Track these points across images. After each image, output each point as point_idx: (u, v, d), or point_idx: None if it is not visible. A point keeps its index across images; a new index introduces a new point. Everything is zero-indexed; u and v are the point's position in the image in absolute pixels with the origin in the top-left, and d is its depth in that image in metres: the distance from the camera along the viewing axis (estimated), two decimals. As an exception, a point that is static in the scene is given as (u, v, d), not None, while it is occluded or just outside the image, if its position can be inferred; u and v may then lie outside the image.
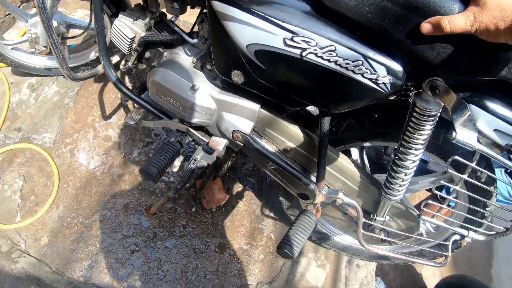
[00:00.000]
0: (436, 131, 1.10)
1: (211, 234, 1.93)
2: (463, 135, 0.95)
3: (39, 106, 2.15)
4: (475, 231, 1.37)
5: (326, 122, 1.17)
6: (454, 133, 0.95)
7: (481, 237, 1.39)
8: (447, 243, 1.42)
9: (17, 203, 1.85)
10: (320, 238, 1.94)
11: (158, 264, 1.81)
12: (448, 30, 0.77)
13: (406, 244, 1.54)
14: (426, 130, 1.07)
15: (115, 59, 1.85)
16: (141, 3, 1.51)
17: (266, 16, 0.94)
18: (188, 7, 1.36)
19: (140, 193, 1.95)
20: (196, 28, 1.43)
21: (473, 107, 0.97)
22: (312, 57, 0.95)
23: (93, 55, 2.17)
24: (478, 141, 0.99)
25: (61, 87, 2.22)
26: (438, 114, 1.05)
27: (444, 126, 1.16)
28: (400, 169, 1.19)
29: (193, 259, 1.86)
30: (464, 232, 1.38)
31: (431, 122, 1.05)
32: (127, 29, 1.44)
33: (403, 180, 1.22)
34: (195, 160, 1.41)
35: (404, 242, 1.53)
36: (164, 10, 1.43)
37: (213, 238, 1.93)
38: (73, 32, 1.98)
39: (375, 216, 1.42)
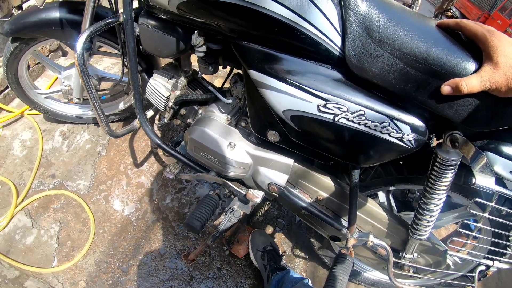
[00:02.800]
0: (457, 173, 1.20)
1: (245, 276, 2.04)
2: (481, 180, 1.06)
3: (72, 154, 2.30)
4: (500, 261, 1.46)
5: (356, 174, 1.29)
6: (473, 179, 1.06)
7: (506, 266, 1.47)
8: (473, 274, 1.52)
9: (54, 247, 1.96)
10: (350, 275, 2.02)
11: (195, 306, 1.92)
12: (466, 91, 0.89)
13: (434, 278, 1.63)
14: (448, 177, 1.18)
15: (149, 113, 1.98)
16: (173, 62, 1.65)
17: (300, 85, 1.08)
18: (220, 67, 1.49)
19: (175, 238, 2.07)
20: (226, 84, 1.57)
21: (489, 154, 1.09)
22: (343, 121, 1.08)
23: (122, 105, 2.32)
24: (496, 183, 1.08)
25: (92, 135, 2.38)
26: (458, 163, 1.16)
27: (465, 168, 1.27)
28: (425, 212, 1.30)
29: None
30: (489, 262, 1.47)
31: (452, 170, 1.16)
32: (162, 88, 1.58)
33: (428, 222, 1.33)
34: (232, 209, 1.54)
35: (432, 276, 1.63)
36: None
37: (247, 279, 2.03)
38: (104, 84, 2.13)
39: (404, 254, 1.51)
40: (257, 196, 1.48)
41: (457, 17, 4.70)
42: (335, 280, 1.36)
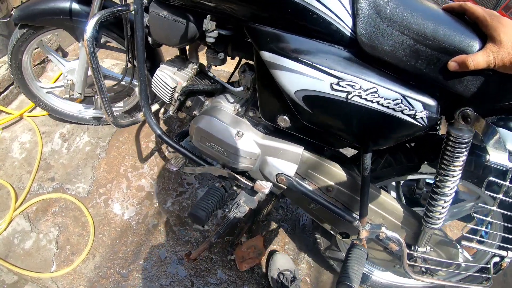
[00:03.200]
0: (468, 159, 1.20)
1: (247, 281, 1.99)
2: (495, 156, 1.08)
3: (72, 156, 2.27)
4: None
5: (368, 159, 1.27)
6: (487, 156, 1.08)
7: None
8: (488, 265, 1.50)
9: (53, 252, 1.92)
10: (364, 280, 1.99)
11: (197, 312, 1.86)
12: (472, 67, 0.93)
13: (449, 271, 1.59)
14: (462, 157, 1.17)
15: (154, 107, 1.97)
16: (179, 54, 1.64)
17: (313, 64, 1.07)
18: (228, 58, 1.48)
19: (176, 242, 2.02)
20: (234, 77, 1.56)
21: (501, 129, 1.09)
22: (357, 99, 1.07)
23: (122, 106, 2.31)
24: (510, 160, 1.10)
25: (92, 137, 2.36)
26: (471, 140, 1.16)
27: (474, 153, 1.28)
28: (439, 196, 1.28)
29: None
30: (503, 253, 1.46)
31: (466, 149, 1.16)
32: (168, 78, 1.56)
33: (442, 208, 1.31)
34: (237, 204, 1.50)
35: (446, 270, 1.59)
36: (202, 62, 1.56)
37: (250, 285, 1.98)
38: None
39: (416, 247, 1.49)
40: (265, 187, 1.44)
41: None
42: (350, 270, 1.32)
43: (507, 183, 1.21)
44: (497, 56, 0.91)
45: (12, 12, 1.76)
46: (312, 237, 1.97)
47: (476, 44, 0.95)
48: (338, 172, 1.40)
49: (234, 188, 1.56)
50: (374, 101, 1.07)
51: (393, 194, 1.68)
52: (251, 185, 1.47)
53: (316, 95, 1.11)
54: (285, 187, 1.45)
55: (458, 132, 1.13)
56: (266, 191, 1.44)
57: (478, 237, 1.45)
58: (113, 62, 2.79)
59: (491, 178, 1.20)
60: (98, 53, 2.59)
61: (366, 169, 1.28)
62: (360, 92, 1.06)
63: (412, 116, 1.07)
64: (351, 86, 1.06)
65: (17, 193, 2.08)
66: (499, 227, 1.51)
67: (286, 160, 1.40)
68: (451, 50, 0.97)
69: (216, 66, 1.50)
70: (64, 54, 2.85)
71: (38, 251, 1.92)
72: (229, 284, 1.95)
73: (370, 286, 2.02)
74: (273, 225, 2.22)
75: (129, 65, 1.75)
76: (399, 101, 1.06)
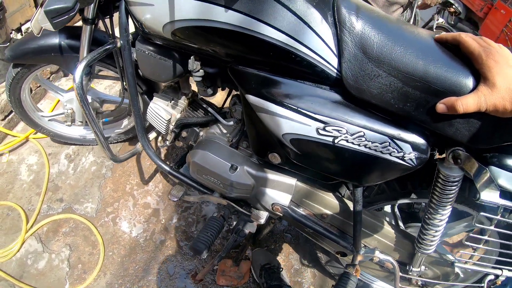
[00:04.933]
0: (462, 186, 1.19)
1: (255, 291, 2.03)
2: (486, 195, 1.05)
3: (78, 177, 2.30)
4: (509, 270, 1.44)
5: (358, 193, 1.28)
6: (477, 195, 1.05)
7: None
8: (482, 284, 1.50)
9: (65, 271, 1.96)
10: (359, 287, 2.01)
11: (207, 326, 1.91)
12: (461, 111, 0.87)
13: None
14: (452, 193, 1.16)
15: (152, 135, 1.98)
16: (173, 84, 1.65)
17: (299, 109, 1.06)
18: (219, 89, 1.49)
19: (183, 257, 2.05)
20: (226, 104, 1.56)
21: (493, 168, 1.05)
22: (343, 143, 1.07)
23: (126, 125, 2.33)
24: (501, 196, 1.08)
25: (97, 157, 2.38)
26: (462, 178, 1.14)
27: (469, 180, 1.22)
28: (430, 226, 1.28)
29: None
30: (498, 271, 1.45)
31: (456, 186, 1.15)
32: (162, 111, 1.57)
33: (434, 236, 1.31)
34: (238, 229, 1.53)
35: (442, 286, 1.61)
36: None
37: (259, 294, 2.02)
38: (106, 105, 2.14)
39: (411, 267, 1.50)
40: (261, 217, 1.47)
41: (459, 12, 4.61)
42: None
43: (498, 216, 1.20)
44: (489, 100, 0.85)
45: (5, 51, 1.76)
46: (315, 249, 1.99)
47: (468, 84, 0.90)
48: (331, 201, 1.41)
49: (234, 214, 1.59)
50: (361, 144, 1.06)
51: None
52: (248, 214, 1.49)
53: (303, 138, 1.10)
54: (281, 215, 1.47)
55: (448, 172, 1.12)
56: (262, 221, 1.47)
57: (471, 259, 1.46)
58: (111, 83, 2.79)
59: (482, 214, 1.21)
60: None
61: (357, 201, 1.29)
62: (346, 137, 1.05)
63: (401, 157, 1.07)
64: (338, 130, 1.05)
65: (28, 215, 2.11)
66: (495, 245, 1.51)
67: (280, 190, 1.41)
68: (441, 91, 0.93)
69: (207, 97, 1.51)
70: (65, 74, 2.86)
71: (51, 271, 1.96)
72: None
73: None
74: (277, 236, 2.25)
75: (126, 91, 1.75)
76: (387, 143, 1.05)
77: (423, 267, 1.51)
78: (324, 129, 1.06)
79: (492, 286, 1.62)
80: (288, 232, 2.26)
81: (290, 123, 1.09)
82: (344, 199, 1.43)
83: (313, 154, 1.16)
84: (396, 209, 1.66)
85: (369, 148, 1.06)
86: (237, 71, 1.15)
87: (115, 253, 2.05)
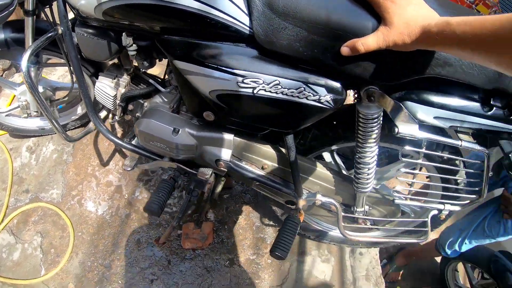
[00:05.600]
0: (384, 124, 1.31)
1: (219, 252, 2.19)
2: (404, 129, 1.17)
3: (41, 166, 2.39)
4: (451, 204, 1.57)
5: (289, 139, 1.42)
6: (396, 129, 1.17)
7: (457, 208, 1.57)
8: (426, 219, 1.63)
9: (40, 258, 2.08)
10: (318, 236, 2.18)
11: (177, 287, 2.06)
12: (363, 50, 0.96)
13: (391, 228, 1.77)
14: (374, 130, 1.29)
15: (103, 114, 2.09)
16: (115, 62, 1.76)
17: (219, 67, 1.18)
18: (157, 60, 1.60)
19: (149, 227, 2.20)
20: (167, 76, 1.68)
21: (409, 103, 1.20)
22: (262, 92, 1.20)
23: (80, 111, 2.41)
24: (422, 130, 1.19)
25: (57, 145, 2.48)
26: (381, 115, 1.27)
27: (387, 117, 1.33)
28: (361, 165, 1.42)
29: (207, 277, 2.11)
30: (440, 206, 1.57)
31: (375, 124, 1.28)
32: (108, 88, 1.68)
33: (368, 174, 1.45)
34: (189, 190, 1.67)
35: (389, 227, 1.77)
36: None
37: (222, 255, 2.18)
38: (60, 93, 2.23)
39: (355, 208, 1.64)
40: (206, 173, 1.61)
41: None
42: (281, 240, 1.52)
43: (423, 149, 1.33)
44: (388, 38, 0.93)
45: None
46: (270, 204, 2.14)
47: (369, 26, 0.99)
48: (268, 151, 1.55)
49: (185, 175, 1.72)
50: (278, 92, 1.18)
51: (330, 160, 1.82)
52: (195, 173, 1.63)
53: (227, 93, 1.23)
54: (226, 170, 1.60)
55: (366, 110, 1.24)
56: (208, 177, 1.60)
57: (409, 193, 1.60)
58: (66, 69, 2.86)
59: (406, 147, 1.33)
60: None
61: (290, 148, 1.43)
62: (264, 86, 1.18)
63: (317, 100, 1.19)
64: (255, 82, 1.17)
65: (-3, 210, 2.21)
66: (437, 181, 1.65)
67: (221, 146, 1.54)
68: (344, 36, 1.01)
69: (147, 69, 1.63)
70: (18, 69, 2.89)
71: (26, 260, 2.07)
72: (203, 257, 2.15)
73: (331, 242, 2.22)
74: (236, 197, 2.40)
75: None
76: (302, 88, 1.17)
77: (367, 207, 1.65)
78: (243, 81, 1.18)
79: (437, 226, 1.78)
80: (247, 192, 2.42)
81: (214, 80, 1.21)
82: (280, 148, 1.56)
83: (239, 106, 1.29)
84: (335, 155, 1.78)
85: (286, 94, 1.19)
86: (164, 41, 1.25)
87: (84, 232, 2.17)
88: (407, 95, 1.22)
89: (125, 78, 1.70)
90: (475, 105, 1.20)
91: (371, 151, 1.37)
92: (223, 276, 2.13)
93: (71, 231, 2.16)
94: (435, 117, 1.22)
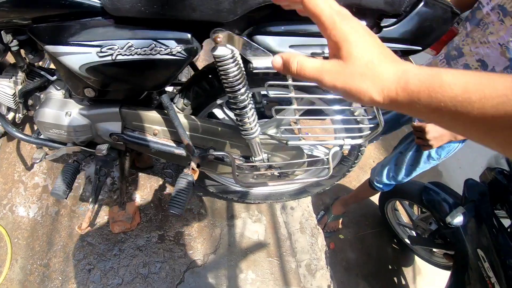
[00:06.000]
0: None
1: (149, 230, 2.30)
2: (258, 62, 1.27)
3: (-32, 183, 2.47)
4: (351, 138, 1.63)
5: (164, 99, 1.54)
6: (250, 64, 1.26)
7: (358, 141, 1.64)
8: (327, 157, 1.73)
9: (-19, 271, 2.16)
10: (241, 197, 2.32)
11: (114, 272, 2.16)
12: (294, 72, 0.64)
13: (294, 170, 1.87)
14: (233, 72, 1.36)
15: (11, 115, 2.17)
16: (11, 62, 1.86)
17: (78, 42, 1.30)
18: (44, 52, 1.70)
19: (78, 219, 2.29)
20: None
21: (259, 37, 1.26)
22: (120, 57, 1.31)
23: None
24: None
25: (-19, 159, 2.55)
26: (235, 56, 1.33)
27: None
28: (238, 111, 1.50)
29: (141, 256, 2.22)
30: (340, 142, 1.63)
31: (233, 64, 1.34)
32: (7, 88, 1.78)
33: (248, 118, 1.53)
34: (96, 169, 1.78)
35: (296, 170, 1.86)
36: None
37: (152, 232, 2.30)
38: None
39: (253, 157, 1.75)
40: (102, 149, 1.72)
41: None
42: (175, 199, 1.64)
43: (289, 81, 1.35)
44: (338, 78, 0.59)
45: None
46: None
47: None
48: (155, 116, 1.67)
49: (90, 158, 1.83)
50: (133, 53, 1.29)
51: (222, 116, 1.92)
52: (93, 151, 1.74)
53: (92, 65, 1.34)
54: (122, 143, 1.73)
55: (217, 53, 1.30)
56: (104, 151, 1.71)
57: (299, 132, 1.69)
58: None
59: (269, 82, 1.36)
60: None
61: (167, 107, 1.55)
62: (119, 51, 1.29)
63: (170, 53, 1.30)
64: (111, 48, 1.28)
65: None
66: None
67: (111, 121, 1.65)
68: None
69: (37, 62, 1.73)
70: None
71: (-31, 277, 2.14)
72: (134, 238, 2.27)
73: (255, 200, 2.35)
74: (158, 174, 2.53)
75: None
76: (153, 45, 1.27)
77: (265, 155, 1.77)
78: (101, 51, 1.29)
79: (343, 161, 1.89)
80: (168, 168, 2.54)
81: (79, 56, 1.32)
82: (165, 111, 1.66)
83: (106, 75, 1.41)
84: (225, 108, 1.88)
85: (141, 54, 1.30)
86: (33, 30, 1.34)
87: (20, 238, 2.25)
88: (256, 30, 1.28)
89: (20, 75, 1.80)
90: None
91: (241, 94, 1.44)
92: (157, 252, 2.24)
93: (7, 240, 2.23)
94: (290, 46, 1.27)
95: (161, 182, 2.51)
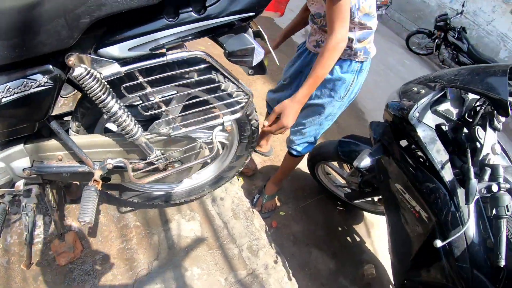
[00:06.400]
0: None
1: (92, 254, 2.47)
2: (105, 71, 1.47)
3: None
4: (230, 113, 1.84)
5: (54, 125, 1.75)
6: (100, 74, 1.45)
7: (237, 114, 1.85)
8: (211, 137, 1.94)
9: None
10: (166, 199, 2.55)
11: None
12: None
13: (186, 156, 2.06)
14: (95, 86, 1.51)
15: None
16: None
17: None
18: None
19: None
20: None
21: (102, 50, 1.44)
22: (4, 100, 1.43)
23: None
24: (123, 66, 1.44)
25: None
26: (90, 72, 1.45)
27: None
28: (113, 118, 1.66)
29: (91, 280, 2.34)
30: (219, 120, 1.84)
31: (90, 80, 1.48)
32: None
33: (125, 122, 1.69)
34: (22, 206, 2.01)
35: (191, 156, 2.07)
36: None
37: (96, 256, 2.47)
38: None
39: (148, 156, 1.93)
40: (19, 186, 1.94)
41: None
42: (83, 209, 1.82)
43: (140, 79, 1.54)
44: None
45: None
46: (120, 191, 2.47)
47: None
48: (53, 143, 1.87)
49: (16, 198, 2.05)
50: (12, 93, 1.43)
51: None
52: (12, 189, 1.96)
53: None
54: (36, 175, 1.95)
55: (74, 74, 1.44)
56: (21, 186, 1.93)
57: (177, 122, 1.83)
58: None
59: (124, 85, 1.53)
60: None
61: (58, 132, 1.78)
62: (2, 95, 1.39)
63: (40, 85, 1.44)
64: None
65: None
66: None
67: (19, 158, 1.87)
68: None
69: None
70: None
71: None
72: (81, 265, 2.39)
73: (182, 199, 2.59)
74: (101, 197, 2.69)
75: None
76: (25, 82, 1.41)
77: (158, 152, 1.98)
78: None
79: (226, 139, 2.09)
80: (101, 194, 2.70)
81: None
82: (61, 136, 1.83)
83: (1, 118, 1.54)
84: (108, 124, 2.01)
85: (18, 92, 1.43)
86: None
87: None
88: (99, 44, 1.44)
89: None
90: (159, 21, 1.43)
91: (108, 103, 1.60)
92: (104, 273, 2.42)
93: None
94: (129, 49, 1.43)
95: (102, 201, 2.70)
